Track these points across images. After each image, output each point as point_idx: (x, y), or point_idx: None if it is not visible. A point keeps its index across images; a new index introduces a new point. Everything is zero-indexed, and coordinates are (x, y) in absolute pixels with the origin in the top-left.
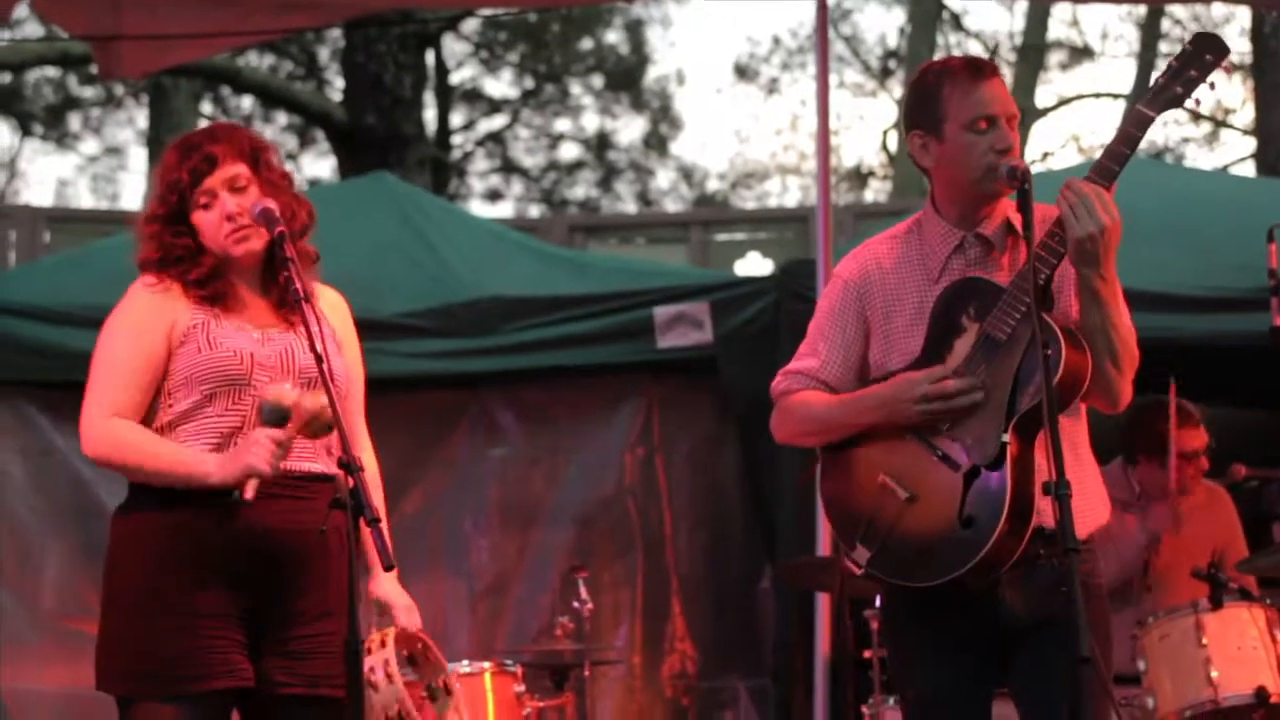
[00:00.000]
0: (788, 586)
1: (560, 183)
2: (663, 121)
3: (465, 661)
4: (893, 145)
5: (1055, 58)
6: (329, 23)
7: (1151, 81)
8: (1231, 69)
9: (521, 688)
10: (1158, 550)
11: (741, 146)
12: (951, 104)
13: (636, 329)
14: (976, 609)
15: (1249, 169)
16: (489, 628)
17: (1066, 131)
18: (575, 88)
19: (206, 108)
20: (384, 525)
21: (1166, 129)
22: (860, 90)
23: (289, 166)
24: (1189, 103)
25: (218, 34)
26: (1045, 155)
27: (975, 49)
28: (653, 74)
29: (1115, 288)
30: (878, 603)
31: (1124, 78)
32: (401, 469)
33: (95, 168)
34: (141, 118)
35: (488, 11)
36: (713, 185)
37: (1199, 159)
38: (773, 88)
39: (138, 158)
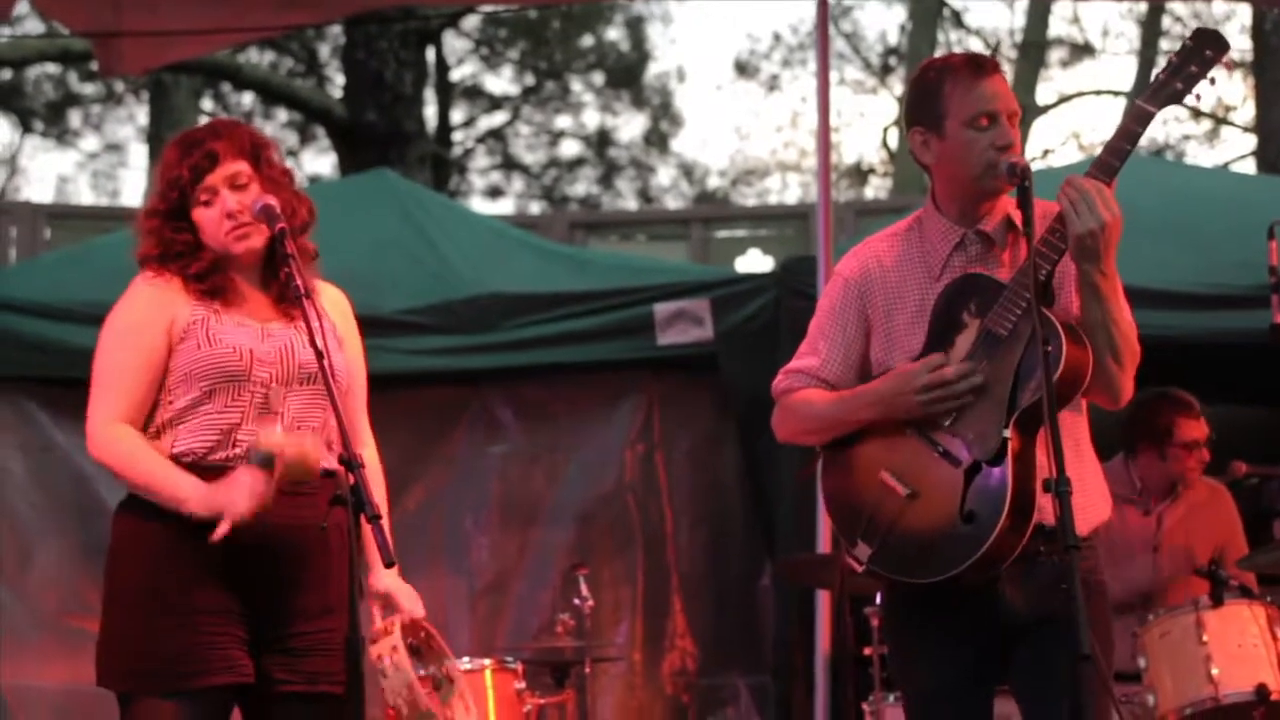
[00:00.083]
0: (788, 583)
1: (561, 179)
2: (663, 118)
3: (466, 658)
4: (893, 142)
5: (1056, 55)
6: (329, 19)
7: (1152, 78)
8: (1232, 65)
9: (522, 685)
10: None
11: (742, 143)
12: (953, 101)
13: (637, 326)
14: (977, 606)
15: (1249, 166)
16: (489, 625)
17: (1067, 128)
18: (576, 84)
19: (207, 104)
20: (385, 522)
21: (1167, 126)
22: (861, 87)
23: (289, 163)
24: (1189, 98)
25: (218, 30)
26: (1046, 152)
27: (976, 46)
28: (653, 71)
29: (1116, 283)
30: (878, 600)
31: (1125, 75)
32: (402, 466)
33: (96, 164)
34: (142, 114)
35: (488, 8)
36: (713, 182)
37: (1199, 156)
38: (773, 84)
39: (138, 154)
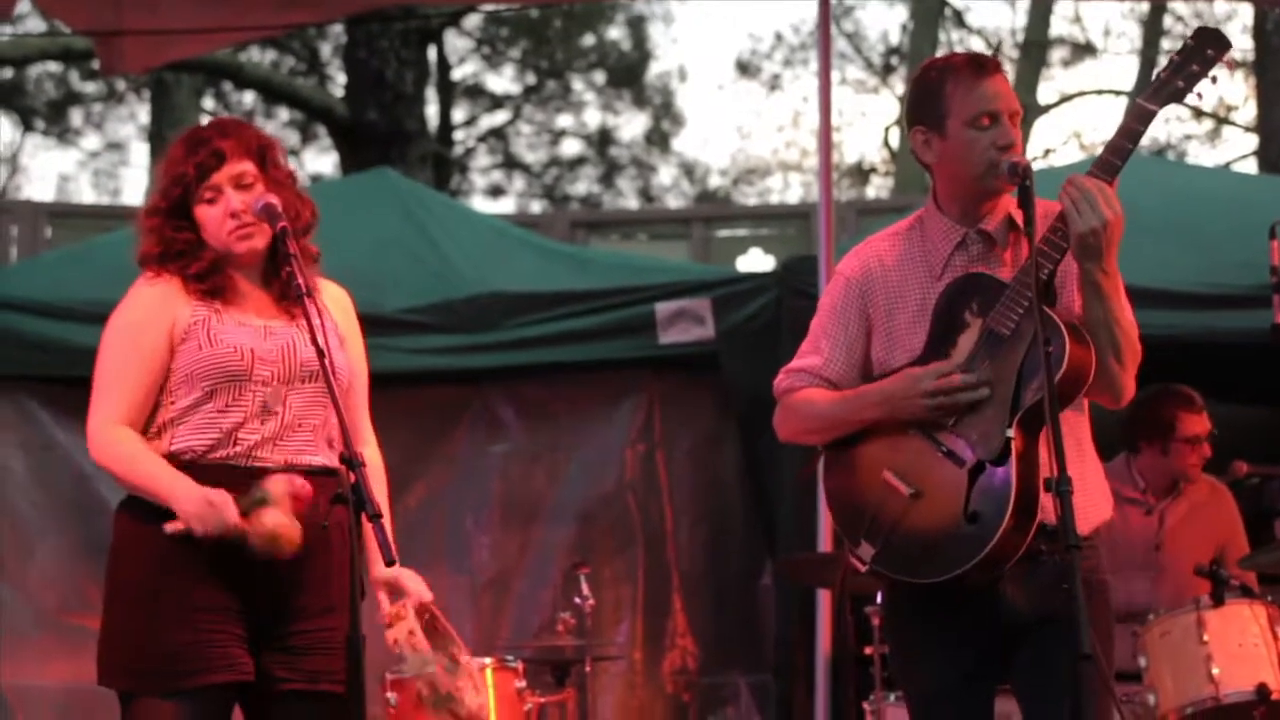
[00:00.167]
0: (789, 582)
1: (562, 179)
2: (664, 118)
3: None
4: (894, 142)
5: (1057, 54)
6: (331, 18)
7: (1154, 77)
8: (1234, 65)
9: (523, 683)
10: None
11: (743, 143)
12: (954, 100)
13: (638, 325)
14: (979, 605)
15: (1251, 166)
16: (490, 623)
17: (1068, 128)
18: (577, 84)
19: (208, 103)
20: (385, 520)
21: (1168, 126)
22: (862, 87)
23: (291, 163)
24: (1191, 97)
25: (219, 29)
26: (1047, 152)
27: (977, 45)
28: (655, 70)
29: (1117, 282)
30: (879, 599)
31: (1126, 74)
32: (403, 465)
33: (97, 163)
34: (143, 113)
35: (490, 7)
36: (714, 181)
37: (1201, 156)
38: (775, 84)
39: (139, 153)
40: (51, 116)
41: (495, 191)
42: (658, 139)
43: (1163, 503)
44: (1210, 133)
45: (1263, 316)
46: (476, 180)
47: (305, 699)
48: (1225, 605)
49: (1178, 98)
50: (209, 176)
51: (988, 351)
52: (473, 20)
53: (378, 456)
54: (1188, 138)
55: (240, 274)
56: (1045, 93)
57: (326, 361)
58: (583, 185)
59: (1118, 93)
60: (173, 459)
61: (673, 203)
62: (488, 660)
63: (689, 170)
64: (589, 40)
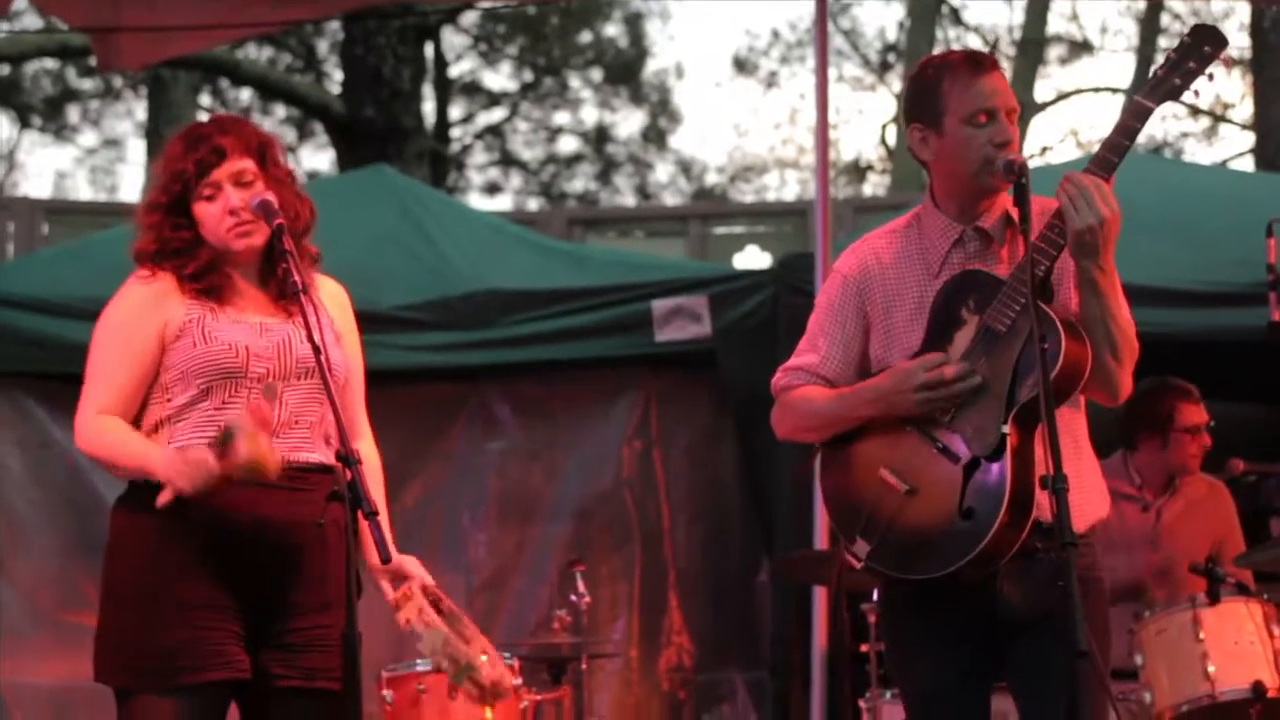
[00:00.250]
0: (785, 580)
1: (559, 176)
2: (661, 115)
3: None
4: (891, 139)
5: (1054, 52)
6: (328, 15)
7: (1151, 74)
8: (1231, 63)
9: (519, 680)
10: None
11: (740, 140)
12: (951, 97)
13: (634, 322)
14: (975, 602)
15: (1248, 164)
16: (487, 621)
17: (1065, 126)
18: (574, 81)
19: (205, 100)
20: (382, 518)
21: (1165, 124)
22: (859, 84)
23: (289, 160)
24: (1188, 95)
25: (216, 26)
26: (1044, 150)
27: (974, 43)
28: (651, 67)
29: (1114, 279)
30: (875, 596)
31: (1123, 72)
32: (399, 462)
33: (94, 160)
34: (140, 110)
35: (487, 4)
36: (711, 179)
37: (1198, 154)
38: (772, 81)
39: (136, 150)
40: (48, 113)
41: (492, 188)
42: (655, 136)
43: (1159, 499)
44: (1207, 130)
45: (1259, 314)
46: (473, 177)
47: (302, 696)
48: (1221, 603)
49: (1175, 95)
50: (209, 173)
51: (984, 348)
52: (470, 17)
53: (374, 453)
54: (1185, 135)
55: (237, 273)
56: (1042, 90)
57: (323, 358)
58: (579, 182)
59: (1115, 90)
60: None
61: (669, 200)
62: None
63: (686, 167)
64: (586, 37)
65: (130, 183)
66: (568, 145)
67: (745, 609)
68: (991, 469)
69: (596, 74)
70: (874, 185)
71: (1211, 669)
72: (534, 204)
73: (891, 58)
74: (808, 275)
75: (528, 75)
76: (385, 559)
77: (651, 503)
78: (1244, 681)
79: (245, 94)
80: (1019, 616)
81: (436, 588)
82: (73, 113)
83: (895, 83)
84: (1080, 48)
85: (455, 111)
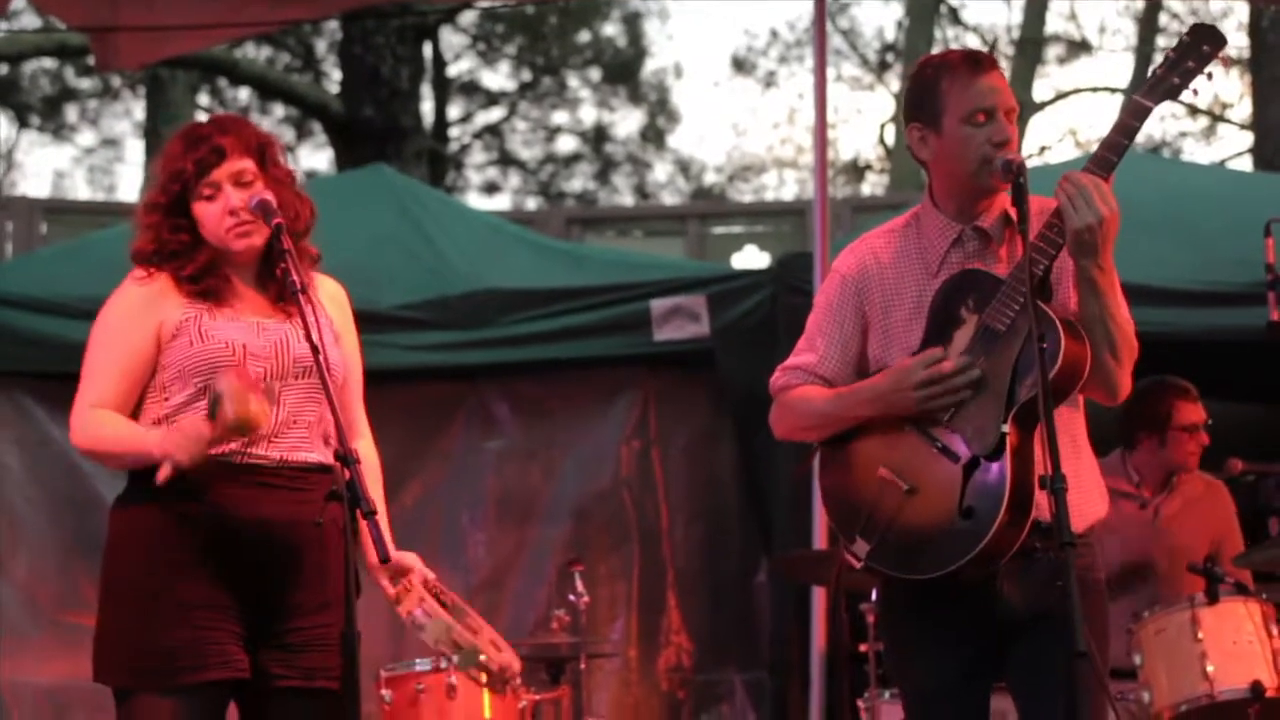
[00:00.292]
0: (784, 580)
1: (557, 175)
2: (660, 114)
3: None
4: (890, 139)
5: (1053, 51)
6: (326, 15)
7: (1149, 73)
8: (1229, 62)
9: (518, 680)
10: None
11: (739, 139)
12: (950, 97)
13: (633, 322)
14: (974, 602)
15: (1246, 163)
16: (485, 620)
17: (1064, 125)
18: (573, 80)
19: (203, 99)
20: (381, 517)
21: (1164, 123)
22: (858, 84)
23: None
24: (1187, 94)
25: (215, 25)
26: (1042, 149)
27: (973, 42)
28: (650, 67)
29: (1113, 279)
30: (874, 596)
31: (1122, 72)
32: (398, 461)
33: (92, 159)
34: (138, 109)
35: (485, 4)
36: (710, 178)
37: (1196, 153)
38: (770, 81)
39: (134, 149)
40: (47, 113)
41: (490, 188)
42: (653, 136)
43: (1157, 497)
44: (1205, 130)
45: (1258, 314)
46: (472, 177)
47: (301, 696)
48: (1220, 603)
49: (1173, 94)
50: (209, 173)
51: (983, 347)
52: (468, 17)
53: (373, 451)
54: (1183, 135)
55: (236, 275)
56: (1040, 90)
57: (321, 357)
58: (578, 182)
59: (1113, 90)
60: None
61: (668, 199)
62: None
63: (684, 167)
64: (584, 37)
65: (128, 182)
66: (566, 145)
67: (744, 609)
68: (991, 468)
69: (595, 73)
70: (872, 185)
71: (1210, 669)
72: (532, 203)
73: (890, 57)
74: (806, 275)
75: (526, 75)
76: (384, 558)
77: (650, 502)
78: (1243, 681)
79: (243, 93)
80: (1019, 616)
81: (438, 581)
82: (71, 112)
83: (894, 82)
84: (1079, 47)
85: (454, 111)
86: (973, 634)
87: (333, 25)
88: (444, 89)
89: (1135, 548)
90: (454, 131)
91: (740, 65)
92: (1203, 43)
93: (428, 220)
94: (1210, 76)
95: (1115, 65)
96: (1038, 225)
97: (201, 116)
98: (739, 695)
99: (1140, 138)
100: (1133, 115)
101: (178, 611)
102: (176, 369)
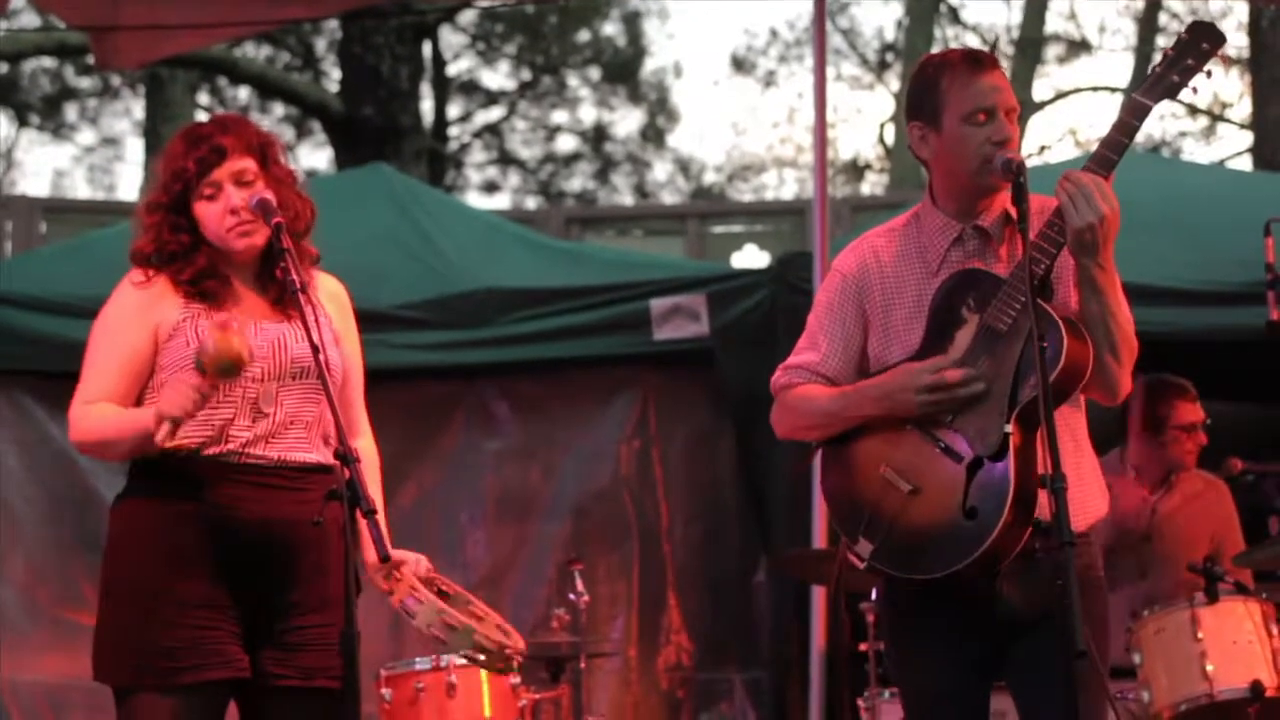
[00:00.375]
0: (783, 579)
1: (557, 175)
2: (660, 114)
3: (461, 654)
4: (889, 138)
5: (1053, 51)
6: (326, 14)
7: (1149, 72)
8: (1229, 61)
9: (517, 680)
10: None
11: (738, 139)
12: (950, 95)
13: (633, 321)
14: (976, 603)
15: (1246, 163)
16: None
17: (1064, 125)
18: (572, 80)
19: (203, 99)
20: (380, 516)
21: (1163, 123)
22: (857, 83)
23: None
24: (1186, 92)
25: (215, 25)
26: (1042, 149)
27: (973, 42)
28: (650, 66)
29: (1114, 277)
30: (873, 595)
31: (1121, 71)
32: (397, 461)
33: (91, 158)
34: (138, 108)
35: (485, 3)
36: (710, 178)
37: (1196, 153)
38: (770, 80)
39: (134, 148)
40: (46, 111)
41: (490, 187)
42: (653, 135)
43: (1155, 495)
44: (1205, 129)
45: (1258, 313)
46: (471, 176)
47: (300, 695)
48: (1219, 602)
49: (1173, 92)
50: (210, 172)
51: (985, 347)
52: (468, 16)
53: (373, 449)
54: (1183, 134)
55: (236, 277)
56: (1040, 89)
57: (321, 358)
58: (578, 181)
59: (1113, 89)
60: (165, 456)
61: (668, 199)
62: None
63: (684, 166)
64: (584, 36)
65: (128, 181)
66: (566, 144)
67: (743, 608)
68: (995, 468)
69: (595, 73)
70: (872, 184)
71: (1210, 668)
72: (532, 203)
73: (890, 57)
74: (806, 274)
75: (526, 74)
76: (384, 557)
77: (649, 501)
78: (1242, 681)
79: (243, 93)
80: (1020, 616)
81: (435, 572)
82: (70, 111)
83: (893, 82)
84: (1078, 47)
85: (453, 110)
86: (974, 634)
87: (332, 24)
88: (443, 88)
89: (1130, 525)
90: (453, 131)
91: (740, 65)
92: (1202, 40)
93: (427, 219)
94: (1210, 74)
95: (1115, 65)
96: (1038, 224)
97: (201, 116)
98: (738, 694)
99: (1140, 137)
100: (1132, 113)
101: (177, 611)
102: (173, 369)
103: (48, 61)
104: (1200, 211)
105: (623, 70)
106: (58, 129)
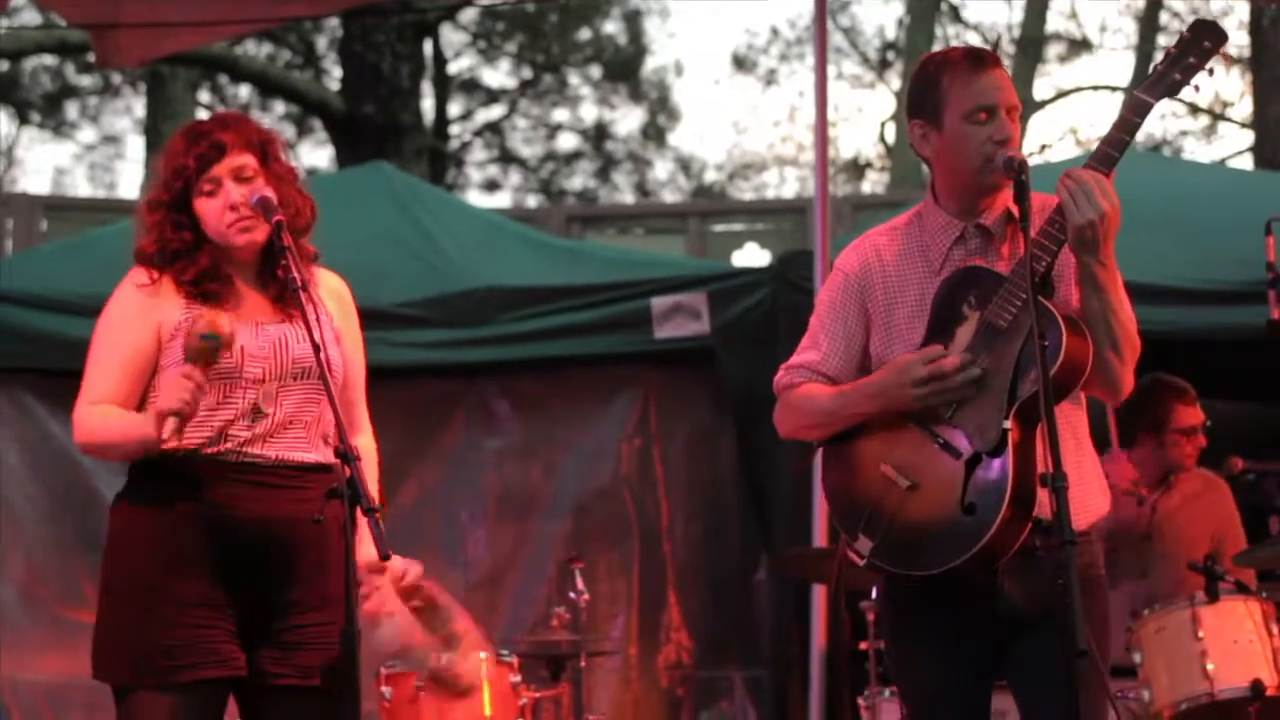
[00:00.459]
0: (784, 577)
1: (558, 173)
2: (661, 112)
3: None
4: (890, 137)
5: (1054, 50)
6: (327, 12)
7: (1150, 69)
8: (1230, 60)
9: (518, 678)
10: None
11: (739, 137)
12: (951, 94)
13: (634, 319)
14: (977, 600)
15: (1247, 162)
16: (485, 618)
17: (1064, 124)
18: (573, 78)
19: (204, 96)
20: (379, 514)
21: (1164, 122)
22: (858, 82)
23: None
24: (1187, 90)
25: (216, 22)
26: (1043, 148)
27: (974, 41)
28: (651, 65)
29: (1115, 275)
30: (874, 594)
31: (1122, 70)
32: (397, 459)
33: (92, 156)
34: (139, 106)
35: (486, 1)
36: (710, 176)
37: (1197, 152)
38: (771, 79)
39: (135, 146)
40: (47, 109)
41: (491, 186)
42: (654, 133)
43: (1155, 494)
44: (1206, 129)
45: (1258, 312)
46: (472, 174)
47: (299, 694)
48: (1220, 601)
49: (1175, 90)
50: (209, 169)
51: (986, 344)
52: (469, 14)
53: (373, 445)
54: (1184, 133)
55: (238, 276)
56: (1041, 89)
57: (322, 357)
58: (578, 180)
59: (1114, 89)
60: (165, 456)
61: (669, 197)
62: (482, 655)
63: (685, 165)
64: (585, 34)
65: (129, 179)
66: (567, 142)
67: (744, 606)
68: (993, 465)
69: (596, 71)
70: (873, 183)
71: (1210, 667)
72: (533, 201)
73: (890, 55)
74: (806, 272)
75: (527, 72)
76: (384, 556)
77: (650, 500)
78: (1243, 680)
79: (244, 90)
80: (1020, 614)
81: (420, 580)
82: (71, 109)
83: (894, 80)
84: (1079, 46)
85: (454, 108)
86: (973, 633)
87: (333, 22)
88: (444, 86)
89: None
90: (454, 129)
91: (741, 63)
92: (1203, 38)
93: (428, 218)
94: (1211, 72)
95: (1116, 64)
96: (1039, 222)
97: (202, 113)
98: (739, 692)
99: (1141, 136)
100: (1134, 111)
101: (176, 610)
102: (174, 368)
103: (49, 59)
104: (1201, 211)
105: (624, 69)
106: (59, 127)
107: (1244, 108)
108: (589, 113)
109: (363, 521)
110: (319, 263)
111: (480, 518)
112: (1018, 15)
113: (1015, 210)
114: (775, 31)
